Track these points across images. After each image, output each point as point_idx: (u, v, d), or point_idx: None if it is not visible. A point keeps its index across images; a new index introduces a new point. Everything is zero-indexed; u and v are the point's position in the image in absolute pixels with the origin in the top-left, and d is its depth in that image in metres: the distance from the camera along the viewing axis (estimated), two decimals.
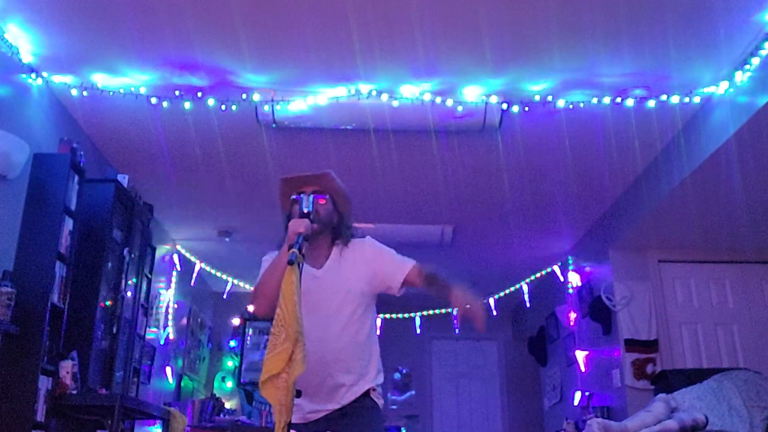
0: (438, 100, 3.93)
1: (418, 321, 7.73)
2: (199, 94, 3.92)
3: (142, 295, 4.86)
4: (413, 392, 8.69)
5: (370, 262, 2.34)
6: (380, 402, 2.32)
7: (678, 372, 4.75)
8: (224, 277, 7.21)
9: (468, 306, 2.16)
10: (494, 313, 7.58)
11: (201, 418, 6.25)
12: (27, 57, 3.62)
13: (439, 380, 8.75)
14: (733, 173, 4.10)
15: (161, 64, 3.71)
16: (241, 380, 7.09)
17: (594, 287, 5.99)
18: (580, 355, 6.26)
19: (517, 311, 8.55)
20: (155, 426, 4.90)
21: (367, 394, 2.28)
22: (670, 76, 3.75)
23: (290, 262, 1.96)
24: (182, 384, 6.77)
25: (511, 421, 8.52)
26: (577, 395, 6.33)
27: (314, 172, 2.35)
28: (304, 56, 3.63)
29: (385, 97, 3.92)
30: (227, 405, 6.96)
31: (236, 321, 7.73)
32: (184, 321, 6.86)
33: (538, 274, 7.09)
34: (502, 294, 7.51)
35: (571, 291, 6.56)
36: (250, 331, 7.35)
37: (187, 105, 3.98)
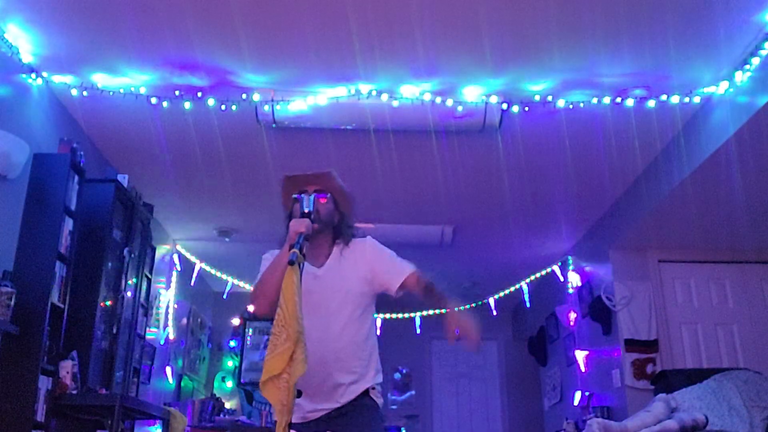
0: (438, 100, 3.93)
1: (418, 321, 7.73)
2: (199, 94, 3.92)
3: (142, 295, 4.86)
4: (413, 392, 8.69)
5: (370, 262, 2.34)
6: (379, 401, 2.32)
7: (678, 372, 4.75)
8: (224, 277, 7.21)
9: (463, 327, 2.14)
10: (494, 313, 7.58)
11: (201, 418, 6.25)
12: (27, 57, 3.62)
13: (439, 380, 8.75)
14: (733, 173, 4.10)
15: (161, 64, 3.71)
16: (241, 380, 7.10)
17: (594, 287, 5.99)
18: (580, 355, 6.26)
19: (517, 311, 8.55)
20: (155, 426, 4.91)
21: (366, 393, 2.28)
22: (670, 76, 3.75)
23: (291, 262, 1.97)
24: (182, 384, 6.76)
25: (511, 421, 8.52)
26: (577, 395, 6.33)
27: (316, 171, 2.36)
28: (304, 56, 3.63)
29: (385, 97, 3.92)
30: (227, 405, 6.96)
31: (236, 321, 7.73)
32: (184, 321, 6.86)
33: (538, 274, 7.08)
34: (502, 294, 7.51)
35: (571, 291, 6.56)
36: (250, 331, 7.36)
37: (187, 105, 3.98)
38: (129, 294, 4.54)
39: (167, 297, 6.15)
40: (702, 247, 5.54)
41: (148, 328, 5.28)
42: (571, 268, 6.53)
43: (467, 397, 8.72)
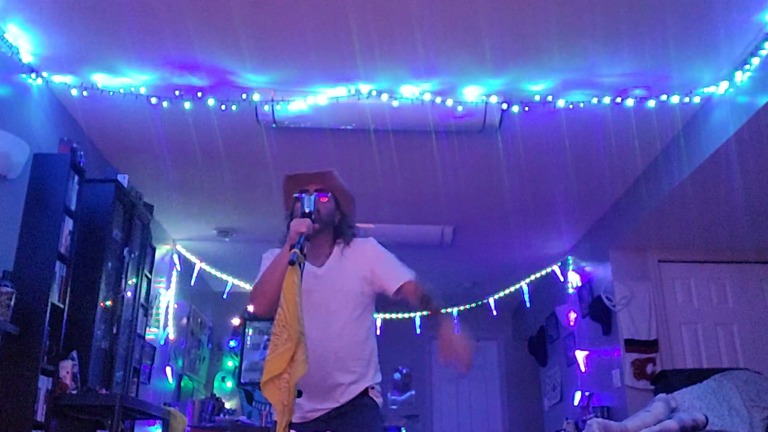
0: (438, 100, 3.93)
1: (418, 321, 7.73)
2: (199, 94, 3.92)
3: (142, 295, 4.86)
4: (413, 392, 8.69)
5: (371, 263, 2.34)
6: (379, 400, 2.32)
7: (678, 372, 4.76)
8: (224, 277, 7.20)
9: (456, 349, 2.06)
10: (494, 313, 7.58)
11: (201, 418, 6.26)
12: (27, 57, 3.62)
13: (439, 380, 8.75)
14: (733, 173, 4.10)
15: (161, 64, 3.71)
16: (241, 380, 7.10)
17: (594, 287, 5.99)
18: (580, 355, 6.26)
19: (517, 311, 8.55)
20: (155, 426, 4.90)
21: (365, 392, 2.28)
22: (670, 76, 3.75)
23: (291, 262, 1.97)
24: (182, 384, 6.76)
25: (511, 421, 8.52)
26: (577, 395, 6.33)
27: (317, 171, 2.36)
28: (304, 56, 3.63)
29: (385, 97, 3.92)
30: (227, 405, 6.96)
31: (236, 321, 7.73)
32: (184, 321, 6.85)
33: (538, 274, 7.08)
34: (502, 294, 7.51)
35: (571, 291, 6.56)
36: (250, 331, 7.36)
37: (187, 105, 3.98)
38: (129, 294, 4.54)
39: (167, 297, 6.15)
40: (702, 247, 5.54)
41: (148, 328, 5.28)
42: (571, 268, 6.53)
43: (467, 397, 8.72)
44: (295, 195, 2.33)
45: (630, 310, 5.43)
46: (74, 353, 3.68)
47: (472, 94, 3.94)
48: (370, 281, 2.33)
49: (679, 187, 4.37)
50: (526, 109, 3.96)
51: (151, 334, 5.61)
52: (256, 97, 3.93)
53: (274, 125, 4.12)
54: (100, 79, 3.85)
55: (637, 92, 3.89)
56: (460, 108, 3.97)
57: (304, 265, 2.06)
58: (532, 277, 7.16)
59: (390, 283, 2.30)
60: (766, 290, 5.56)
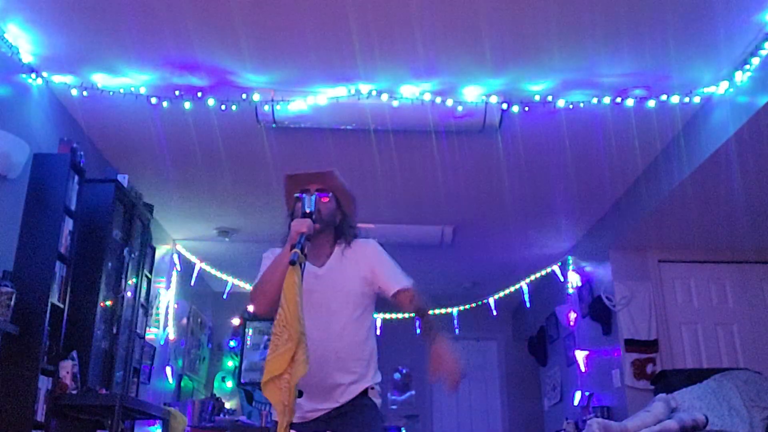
0: (438, 100, 3.93)
1: (417, 321, 7.72)
2: (199, 94, 3.92)
3: (142, 295, 4.86)
4: (413, 392, 8.68)
5: (371, 263, 2.34)
6: (378, 401, 2.32)
7: (678, 372, 4.76)
8: (224, 277, 7.21)
9: (447, 367, 2.07)
10: (494, 313, 7.58)
11: (201, 418, 6.25)
12: (27, 57, 3.62)
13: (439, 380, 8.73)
14: (733, 173, 4.10)
15: (161, 64, 3.71)
16: (241, 380, 7.10)
17: (594, 287, 5.99)
18: (580, 355, 6.26)
19: (517, 311, 8.55)
20: (155, 426, 4.90)
21: (365, 392, 2.28)
22: (670, 76, 3.75)
23: (292, 262, 1.97)
24: (182, 384, 6.76)
25: (511, 421, 8.52)
26: (577, 395, 6.33)
27: (318, 170, 2.36)
28: (304, 56, 3.63)
29: (385, 97, 3.92)
30: (227, 405, 6.96)
31: (236, 321, 7.73)
32: (184, 321, 6.85)
33: (538, 274, 7.09)
34: (502, 294, 7.51)
35: (571, 291, 6.56)
36: (250, 331, 7.36)
37: (187, 105, 3.98)
38: (129, 294, 4.54)
39: (167, 297, 6.15)
40: (702, 247, 5.54)
41: (148, 328, 5.28)
42: (571, 268, 6.53)
43: (467, 397, 8.71)
44: (296, 195, 2.33)
45: (630, 310, 5.43)
46: (74, 353, 3.69)
47: (472, 94, 3.94)
48: (370, 281, 2.33)
49: (679, 187, 4.37)
50: (526, 109, 3.96)
51: (151, 334, 5.61)
52: (256, 97, 3.93)
53: (274, 125, 4.12)
54: (100, 79, 3.85)
55: (637, 92, 3.89)
56: (460, 108, 3.97)
57: (304, 265, 2.06)
58: (532, 277, 7.16)
59: (389, 285, 2.30)
60: (766, 290, 5.56)
